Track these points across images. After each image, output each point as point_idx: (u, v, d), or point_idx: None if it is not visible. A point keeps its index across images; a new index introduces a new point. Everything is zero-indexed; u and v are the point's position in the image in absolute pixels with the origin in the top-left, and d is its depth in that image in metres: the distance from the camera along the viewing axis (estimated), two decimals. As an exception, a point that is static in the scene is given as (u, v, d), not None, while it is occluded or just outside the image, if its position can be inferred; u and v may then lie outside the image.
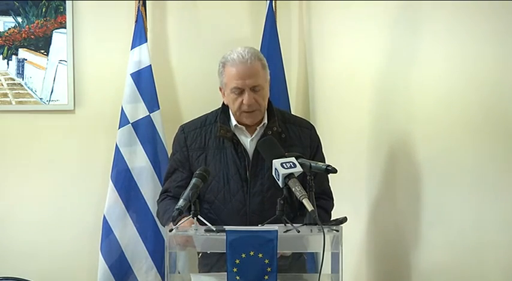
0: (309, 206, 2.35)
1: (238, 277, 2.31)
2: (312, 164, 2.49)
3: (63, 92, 3.97)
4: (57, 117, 4.00)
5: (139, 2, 3.89)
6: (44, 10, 3.94)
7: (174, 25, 4.08)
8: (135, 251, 3.84)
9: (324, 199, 2.86)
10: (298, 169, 2.46)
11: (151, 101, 3.87)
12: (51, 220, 3.99)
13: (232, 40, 3.98)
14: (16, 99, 3.97)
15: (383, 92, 2.99)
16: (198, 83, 4.02)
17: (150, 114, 3.86)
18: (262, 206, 2.78)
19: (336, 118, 3.55)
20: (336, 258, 2.40)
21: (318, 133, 2.98)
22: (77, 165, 4.00)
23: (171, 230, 2.39)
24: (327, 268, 2.43)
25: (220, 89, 2.88)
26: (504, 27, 2.12)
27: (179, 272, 3.34)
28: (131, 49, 3.88)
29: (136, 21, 3.89)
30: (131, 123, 3.85)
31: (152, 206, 3.77)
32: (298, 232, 2.36)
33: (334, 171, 2.50)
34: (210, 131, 2.88)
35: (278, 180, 2.47)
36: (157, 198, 3.00)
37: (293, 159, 2.49)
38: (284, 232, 2.37)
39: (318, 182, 2.57)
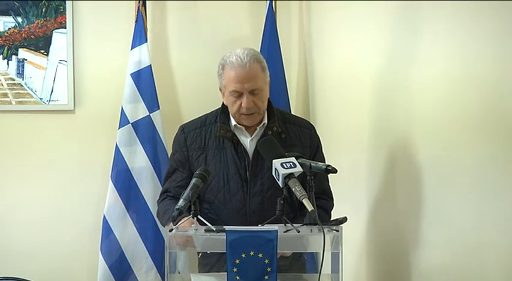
0: (309, 206, 2.35)
1: (238, 277, 2.31)
2: (312, 164, 2.49)
3: (63, 92, 3.97)
4: (57, 117, 4.00)
5: (139, 2, 3.89)
6: (44, 10, 3.94)
7: (174, 25, 4.08)
8: (135, 251, 3.84)
9: (323, 199, 2.86)
10: (298, 169, 2.46)
11: (151, 101, 3.87)
12: (51, 220, 3.99)
13: (232, 40, 3.99)
14: (16, 99, 3.97)
15: (383, 92, 2.99)
16: (198, 83, 4.02)
17: (150, 114, 3.86)
18: (262, 206, 2.78)
19: (336, 118, 3.55)
20: (336, 258, 2.40)
21: (318, 133, 2.98)
22: (77, 165, 4.00)
23: (171, 230, 2.39)
24: (327, 268, 2.43)
25: (220, 90, 2.88)
26: (504, 27, 2.12)
27: (179, 272, 3.33)
28: (131, 49, 3.88)
29: (136, 21, 3.89)
30: (131, 123, 3.85)
31: (152, 206, 3.77)
32: (298, 232, 2.36)
33: (334, 171, 2.50)
34: (210, 131, 2.88)
35: (278, 180, 2.47)
36: (158, 198, 3.00)
37: (293, 159, 2.49)
38: (284, 232, 2.37)
39: (317, 182, 2.57)
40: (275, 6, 3.96)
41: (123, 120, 3.84)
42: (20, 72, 3.96)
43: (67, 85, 3.97)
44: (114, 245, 3.82)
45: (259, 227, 2.39)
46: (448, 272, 2.48)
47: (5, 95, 3.96)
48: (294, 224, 2.38)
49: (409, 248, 2.76)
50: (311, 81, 3.91)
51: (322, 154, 2.95)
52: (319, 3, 3.79)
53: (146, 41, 3.88)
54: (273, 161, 2.49)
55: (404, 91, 2.78)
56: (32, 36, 3.95)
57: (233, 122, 2.85)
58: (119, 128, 3.85)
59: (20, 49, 3.95)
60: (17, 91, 3.96)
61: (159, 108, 3.88)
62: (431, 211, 2.59)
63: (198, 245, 2.52)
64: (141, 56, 3.87)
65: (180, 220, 2.45)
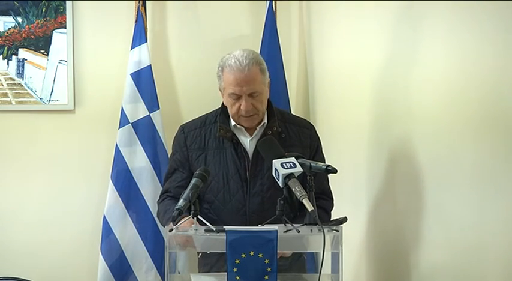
0: (309, 206, 2.35)
1: (238, 277, 2.31)
2: (312, 164, 2.49)
3: (63, 92, 3.97)
4: (57, 117, 4.00)
5: (139, 2, 3.89)
6: (44, 10, 3.94)
7: (174, 25, 4.08)
8: (135, 251, 3.84)
9: (323, 199, 2.86)
10: (298, 169, 2.46)
11: (151, 101, 3.87)
12: (51, 220, 3.99)
13: (232, 40, 3.99)
14: (16, 99, 3.97)
15: (383, 91, 2.99)
16: (198, 83, 4.02)
17: (150, 114, 3.86)
18: (262, 206, 2.78)
19: (336, 118, 3.55)
20: (336, 258, 2.40)
21: (317, 133, 2.98)
22: (77, 165, 4.00)
23: (171, 230, 2.39)
24: (327, 268, 2.42)
25: (220, 90, 2.87)
26: (505, 27, 2.12)
27: (179, 272, 3.33)
28: (131, 49, 3.88)
29: (136, 21, 3.89)
30: (131, 123, 3.85)
31: (152, 206, 3.77)
32: (298, 232, 2.36)
33: (334, 171, 2.50)
34: (210, 131, 2.88)
35: (278, 180, 2.47)
36: (158, 198, 3.00)
37: (293, 159, 2.49)
38: (284, 232, 2.36)
39: (317, 182, 2.57)
40: (275, 6, 3.96)
41: (123, 120, 3.85)
42: (20, 72, 3.96)
43: (67, 85, 3.97)
44: (114, 245, 3.83)
45: (259, 227, 2.39)
46: (448, 272, 2.48)
47: (5, 95, 3.96)
48: (294, 224, 2.38)
49: (409, 248, 2.76)
50: (311, 81, 3.91)
51: (322, 153, 2.95)
52: (319, 3, 3.79)
53: (146, 41, 3.88)
54: (273, 161, 2.49)
55: (404, 91, 2.78)
56: (32, 36, 3.95)
57: (233, 122, 2.85)
58: (119, 128, 3.85)
59: (20, 49, 3.95)
60: (17, 91, 3.96)
61: (159, 108, 3.88)
62: (431, 211, 2.58)
63: (198, 245, 2.52)
64: (141, 56, 3.87)
65: (180, 220, 2.45)
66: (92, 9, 3.98)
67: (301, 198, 2.36)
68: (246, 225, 2.68)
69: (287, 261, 2.71)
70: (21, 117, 3.98)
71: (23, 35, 3.95)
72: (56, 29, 3.96)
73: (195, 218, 2.44)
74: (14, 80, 3.96)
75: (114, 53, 4.00)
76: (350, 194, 3.25)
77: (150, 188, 3.83)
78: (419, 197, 2.65)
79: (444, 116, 2.47)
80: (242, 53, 2.77)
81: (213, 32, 4.07)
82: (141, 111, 3.86)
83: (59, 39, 3.96)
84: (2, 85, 3.95)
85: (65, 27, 3.96)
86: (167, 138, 3.77)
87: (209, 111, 2.96)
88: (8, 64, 3.95)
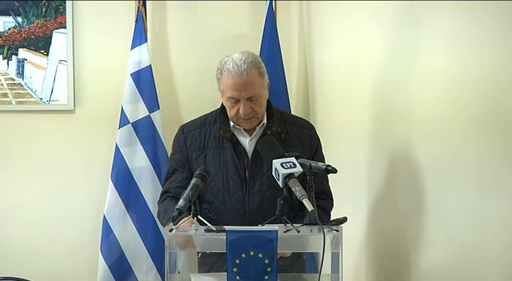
0: (309, 206, 2.35)
1: (238, 277, 2.31)
2: (312, 164, 2.49)
3: (63, 92, 3.97)
4: (57, 117, 4.00)
5: (139, 2, 3.89)
6: (44, 10, 3.94)
7: (174, 25, 4.08)
8: (135, 251, 3.84)
9: (323, 199, 2.86)
10: (298, 169, 2.46)
11: (151, 101, 3.87)
12: (51, 220, 3.99)
13: (232, 40, 3.99)
14: (16, 99, 3.97)
15: (383, 91, 2.99)
16: (198, 83, 4.02)
17: (150, 114, 3.86)
18: (262, 206, 2.78)
19: (336, 118, 3.55)
20: (335, 258, 2.40)
21: (317, 133, 2.98)
22: (77, 165, 4.00)
23: (171, 230, 2.39)
24: (326, 268, 2.42)
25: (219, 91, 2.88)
26: (505, 26, 2.12)
27: (179, 272, 3.33)
28: (131, 49, 3.88)
29: (136, 21, 3.89)
30: (131, 123, 3.85)
31: (152, 206, 3.77)
32: (298, 232, 2.36)
33: (334, 171, 2.50)
34: (209, 131, 2.88)
35: (278, 180, 2.47)
36: (158, 199, 3.00)
37: (293, 159, 2.49)
38: (284, 232, 2.36)
39: (317, 182, 2.57)
40: (275, 6, 3.96)
41: (123, 120, 3.85)
42: (20, 72, 3.96)
43: (67, 85, 3.97)
44: (114, 245, 3.83)
45: (259, 227, 2.39)
46: (448, 271, 2.48)
47: (5, 95, 3.96)
48: (294, 224, 2.38)
49: (409, 248, 2.76)
50: (311, 81, 3.91)
51: (322, 154, 2.95)
52: (319, 3, 3.79)
53: (146, 41, 3.88)
54: (273, 161, 2.49)
55: (404, 91, 2.78)
56: (32, 36, 3.95)
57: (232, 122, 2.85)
58: (119, 128, 3.85)
59: (20, 49, 3.95)
60: (17, 91, 3.96)
61: (159, 108, 3.88)
62: (432, 211, 2.58)
63: (198, 245, 2.52)
64: (141, 56, 3.87)
65: (180, 220, 2.45)
66: (92, 9, 3.98)
67: (301, 198, 2.36)
68: (245, 225, 2.68)
69: (287, 261, 2.71)
70: (21, 117, 3.98)
71: (23, 35, 3.95)
72: (56, 29, 3.96)
73: (195, 218, 2.44)
74: (14, 80, 3.96)
75: (114, 53, 4.00)
76: (350, 194, 3.25)
77: (150, 188, 3.83)
78: (419, 197, 2.65)
79: (444, 115, 2.47)
80: (241, 57, 2.75)
81: (213, 32, 4.07)
82: (141, 111, 3.86)
83: (59, 39, 3.96)
84: (2, 85, 3.95)
85: (65, 27, 3.96)
86: (167, 139, 3.77)
87: (209, 112, 2.96)
88: (8, 64, 3.95)
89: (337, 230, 2.38)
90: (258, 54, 3.71)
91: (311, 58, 3.91)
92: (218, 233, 2.35)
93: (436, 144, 2.54)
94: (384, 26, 2.95)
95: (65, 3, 3.95)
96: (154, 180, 3.84)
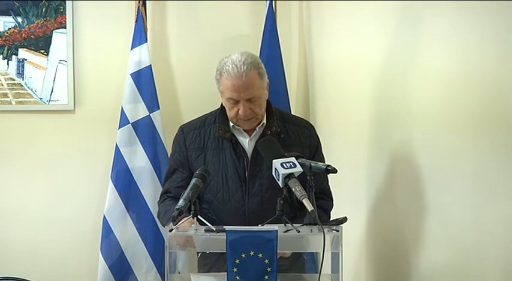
0: (309, 206, 2.35)
1: (238, 277, 2.31)
2: (312, 164, 2.49)
3: (63, 92, 3.97)
4: (57, 117, 4.00)
5: (139, 2, 3.89)
6: (44, 10, 3.94)
7: (174, 25, 4.08)
8: (135, 251, 3.84)
9: (323, 199, 2.86)
10: (298, 169, 2.46)
11: (151, 101, 3.87)
12: (51, 220, 3.99)
13: (232, 40, 3.99)
14: (16, 99, 3.97)
15: (383, 91, 2.99)
16: (198, 83, 4.02)
17: (150, 114, 3.86)
18: (261, 206, 2.78)
19: (336, 118, 3.55)
20: (335, 258, 2.40)
21: (317, 133, 2.98)
22: (77, 165, 4.00)
23: (171, 230, 2.39)
24: (326, 268, 2.42)
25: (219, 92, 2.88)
26: (506, 26, 2.12)
27: (179, 272, 3.34)
28: (131, 49, 3.88)
29: (136, 21, 3.89)
30: (131, 123, 3.85)
31: (152, 206, 3.77)
32: (298, 232, 2.36)
33: (334, 171, 2.50)
34: (209, 131, 2.88)
35: (278, 180, 2.47)
36: (158, 199, 3.01)
37: (293, 159, 2.49)
38: (284, 232, 2.36)
39: (317, 182, 2.56)
40: (275, 6, 3.96)
41: (123, 120, 3.85)
42: (20, 72, 3.96)
43: (67, 85, 3.97)
44: (114, 245, 3.82)
45: (259, 227, 2.39)
46: (448, 271, 2.48)
47: (5, 95, 3.96)
48: (294, 224, 2.38)
49: (409, 248, 2.76)
50: (311, 81, 3.91)
51: (322, 154, 2.95)
52: (319, 3, 3.79)
53: (146, 41, 3.88)
54: (273, 161, 2.49)
55: (404, 90, 2.78)
56: (32, 36, 3.95)
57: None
58: (119, 128, 3.85)
59: (20, 49, 3.95)
60: (17, 91, 3.96)
61: (159, 108, 3.88)
62: (432, 211, 2.58)
63: (198, 245, 2.52)
64: (141, 56, 3.87)
65: (180, 220, 2.45)
66: (92, 9, 3.98)
67: (301, 198, 2.36)
68: (245, 225, 2.68)
69: (287, 261, 2.71)
70: (21, 117, 3.98)
71: (23, 35, 3.95)
72: (56, 29, 3.96)
73: (195, 218, 2.44)
74: (14, 80, 3.96)
75: (114, 53, 4.00)
76: (350, 194, 3.25)
77: (150, 188, 3.83)
78: (419, 197, 2.65)
79: (444, 115, 2.47)
80: (240, 58, 2.75)
81: (213, 32, 4.06)
82: (141, 111, 3.86)
83: (59, 39, 3.96)
84: (2, 85, 3.95)
85: (65, 27, 3.96)
86: (167, 139, 3.77)
87: (209, 112, 2.96)
88: (8, 64, 3.95)
89: (337, 230, 2.38)
90: (258, 54, 3.72)
91: (311, 58, 3.91)
92: (218, 233, 2.35)
93: (436, 144, 2.54)
94: (384, 26, 2.95)
95: (65, 3, 3.95)
96: (154, 180, 3.84)
